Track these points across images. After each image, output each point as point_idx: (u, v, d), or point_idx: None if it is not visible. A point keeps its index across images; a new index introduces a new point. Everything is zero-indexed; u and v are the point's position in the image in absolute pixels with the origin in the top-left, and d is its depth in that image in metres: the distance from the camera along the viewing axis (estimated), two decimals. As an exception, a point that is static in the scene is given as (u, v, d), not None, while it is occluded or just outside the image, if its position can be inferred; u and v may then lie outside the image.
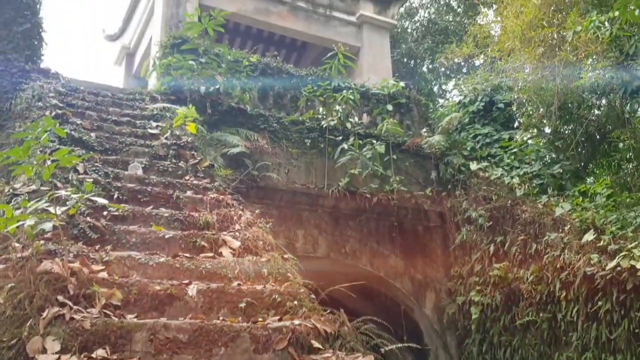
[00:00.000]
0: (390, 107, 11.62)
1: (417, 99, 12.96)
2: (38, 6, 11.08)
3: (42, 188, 5.33)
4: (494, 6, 15.74)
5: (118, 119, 8.11)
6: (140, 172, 6.48)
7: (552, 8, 11.48)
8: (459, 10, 21.90)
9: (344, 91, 11.21)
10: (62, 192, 4.52)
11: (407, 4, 20.19)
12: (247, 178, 9.31)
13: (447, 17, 21.47)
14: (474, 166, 10.72)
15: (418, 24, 21.54)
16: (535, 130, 12.96)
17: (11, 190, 5.46)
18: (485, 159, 11.13)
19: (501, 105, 12.27)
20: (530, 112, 12.74)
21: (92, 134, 7.25)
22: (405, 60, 20.00)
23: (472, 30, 13.85)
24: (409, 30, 21.20)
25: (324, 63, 12.15)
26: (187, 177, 6.76)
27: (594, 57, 10.73)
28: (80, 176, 5.87)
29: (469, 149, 11.54)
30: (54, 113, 7.48)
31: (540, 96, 11.54)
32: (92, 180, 5.72)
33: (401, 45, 19.74)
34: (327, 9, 15.27)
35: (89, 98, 8.71)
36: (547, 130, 12.97)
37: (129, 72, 16.19)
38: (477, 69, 16.08)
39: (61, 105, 7.86)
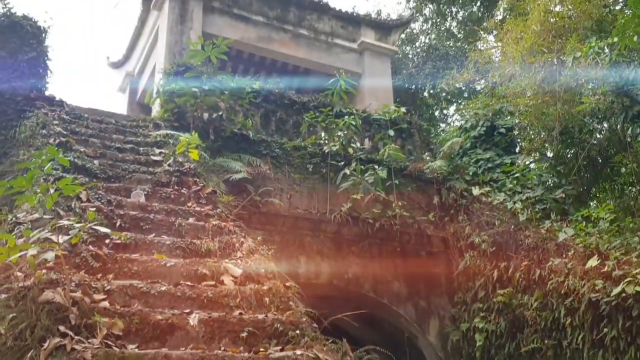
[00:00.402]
0: (392, 133, 11.68)
1: (418, 124, 13.02)
2: (44, 35, 11.22)
3: (45, 216, 5.35)
4: (494, 32, 15.90)
5: (121, 146, 8.16)
6: (142, 199, 6.50)
7: (552, 34, 11.60)
8: (459, 36, 22.11)
9: (346, 117, 11.28)
10: (65, 222, 4.54)
11: (408, 30, 20.39)
12: (249, 204, 9.31)
13: (448, 42, 21.67)
14: (476, 191, 10.72)
15: (419, 49, 21.73)
16: (537, 154, 12.99)
17: (14, 219, 5.48)
18: (487, 183, 11.13)
19: (503, 130, 12.31)
20: (532, 137, 12.79)
21: (96, 162, 7.30)
22: (406, 85, 20.12)
23: (473, 56, 13.97)
24: (410, 56, 21.37)
25: (326, 89, 12.25)
26: (189, 204, 6.77)
27: (594, 82, 10.80)
28: (83, 204, 5.90)
29: (471, 173, 11.55)
30: (57, 141, 7.55)
31: (542, 121, 11.59)
32: (94, 208, 5.75)
33: (402, 71, 19.89)
34: (329, 36, 15.45)
35: (93, 125, 8.77)
36: (549, 154, 13.00)
37: (133, 99, 16.31)
38: (478, 94, 16.19)
39: (65, 132, 7.92)
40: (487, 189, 10.84)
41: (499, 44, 13.91)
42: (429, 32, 22.46)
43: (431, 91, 21.01)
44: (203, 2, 14.00)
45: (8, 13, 11.19)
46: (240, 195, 9.10)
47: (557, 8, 12.29)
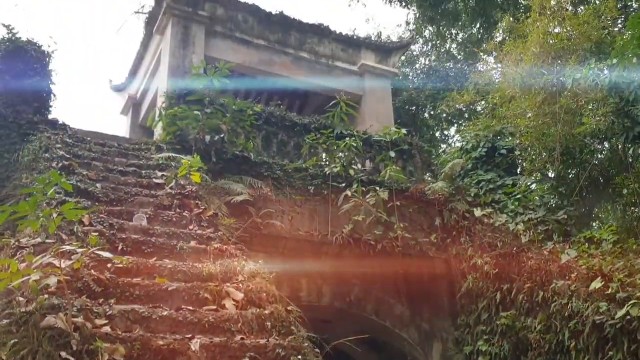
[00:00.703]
0: (392, 154, 11.73)
1: (419, 145, 13.08)
2: (48, 59, 11.34)
3: (47, 240, 5.36)
4: (494, 53, 16.03)
5: (124, 169, 8.20)
6: (144, 222, 6.51)
7: (551, 56, 11.70)
8: (459, 57, 22.28)
9: (347, 138, 11.34)
10: (68, 247, 4.56)
11: (408, 51, 20.57)
12: (250, 226, 9.32)
13: (448, 64, 21.84)
14: (478, 212, 10.73)
15: (419, 71, 21.91)
16: (538, 175, 13.01)
17: (16, 243, 5.48)
18: (489, 205, 11.14)
19: (504, 151, 12.35)
20: (533, 157, 12.82)
21: (98, 185, 7.32)
22: (406, 106, 20.26)
23: (473, 78, 14.07)
24: (410, 77, 21.54)
25: (327, 111, 12.33)
26: (190, 227, 6.78)
27: (594, 103, 10.86)
28: (86, 228, 5.91)
29: (472, 195, 11.56)
30: (60, 164, 7.58)
31: (542, 142, 11.62)
32: (97, 232, 5.76)
33: (402, 92, 20.03)
34: (330, 59, 15.59)
35: (96, 149, 8.82)
36: (551, 174, 13.01)
37: (135, 122, 16.41)
38: (479, 115, 16.27)
39: (68, 156, 7.96)
40: (489, 210, 10.84)
41: (499, 65, 14.01)
42: (429, 53, 22.67)
43: (432, 112, 21.13)
44: (205, 27, 14.16)
45: (13, 38, 11.33)
46: (241, 217, 9.11)
47: (556, 30, 12.41)
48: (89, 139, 9.34)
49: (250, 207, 9.59)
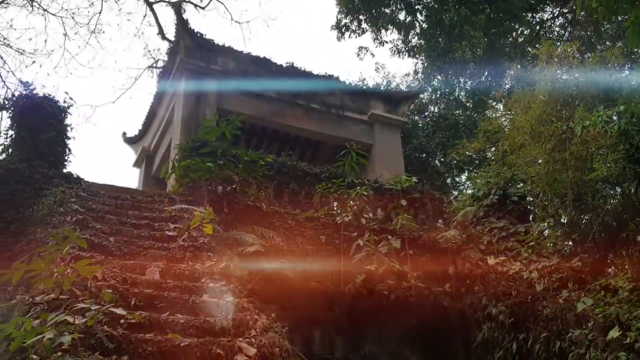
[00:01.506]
0: (404, 202, 11.75)
1: (430, 193, 13.11)
2: (63, 114, 11.63)
3: (61, 296, 5.40)
4: (502, 101, 16.22)
5: (137, 221, 8.29)
6: (157, 276, 6.55)
7: (560, 103, 11.82)
8: (468, 105, 22.53)
9: (358, 187, 11.41)
10: (82, 305, 4.60)
11: (417, 100, 20.86)
12: (262, 278, 9.30)
13: (457, 111, 22.08)
14: (491, 261, 10.64)
15: (428, 119, 22.14)
16: (551, 221, 12.94)
17: (30, 300, 5.53)
18: (502, 252, 11.05)
19: (515, 198, 12.33)
20: (545, 204, 12.79)
21: (111, 238, 7.41)
22: (417, 154, 20.41)
23: (483, 125, 14.20)
24: (420, 125, 21.76)
25: (337, 160, 12.45)
26: (203, 280, 6.80)
27: (605, 149, 10.89)
28: (99, 283, 5.94)
29: (485, 242, 11.49)
30: (74, 218, 7.70)
31: (554, 188, 11.62)
32: (110, 287, 5.80)
33: (412, 140, 20.22)
34: (340, 109, 15.84)
35: (109, 202, 8.95)
36: (563, 220, 12.94)
37: (149, 174, 16.64)
38: (489, 162, 16.33)
39: (82, 210, 8.09)
40: (503, 258, 10.76)
41: (508, 113, 14.15)
42: (438, 101, 22.95)
43: (442, 159, 21.24)
44: (218, 80, 14.50)
45: (30, 94, 11.66)
46: (254, 269, 9.11)
47: (564, 77, 12.57)
48: (102, 192, 9.49)
49: (262, 258, 9.59)
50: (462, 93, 23.04)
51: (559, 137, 11.33)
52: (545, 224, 12.84)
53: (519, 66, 19.45)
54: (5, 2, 11.96)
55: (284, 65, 15.69)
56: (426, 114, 22.42)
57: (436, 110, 22.47)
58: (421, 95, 21.53)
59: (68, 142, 11.58)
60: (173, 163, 11.56)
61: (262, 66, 15.25)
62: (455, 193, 20.81)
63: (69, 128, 11.67)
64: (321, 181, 11.85)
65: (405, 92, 17.93)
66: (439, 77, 22.56)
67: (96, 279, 6.03)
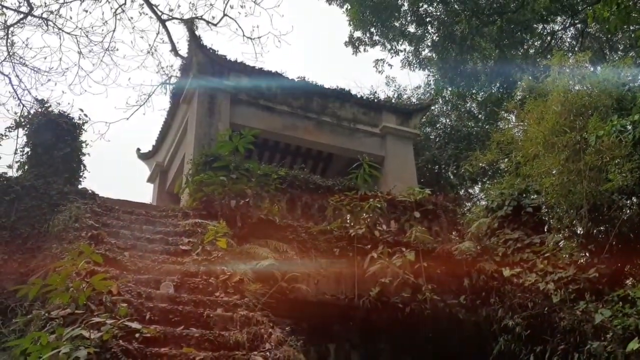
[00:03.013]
0: (417, 214, 11.70)
1: (444, 205, 13.03)
2: (78, 131, 11.75)
3: (77, 311, 5.41)
4: (515, 112, 16.13)
5: (151, 236, 8.33)
6: (171, 290, 6.56)
7: (573, 113, 11.72)
8: (480, 116, 22.47)
9: (371, 200, 11.37)
10: (97, 319, 4.61)
11: (429, 112, 20.85)
12: (276, 291, 9.26)
13: (469, 123, 22.02)
14: (507, 272, 10.53)
15: (440, 130, 22.10)
16: (566, 232, 12.79)
17: (46, 315, 5.55)
18: (517, 264, 10.94)
19: (530, 209, 12.20)
20: (560, 215, 12.66)
21: (126, 253, 7.44)
22: (429, 166, 20.35)
23: (495, 137, 14.12)
24: (432, 137, 21.72)
25: (350, 172, 12.46)
26: (217, 294, 6.81)
27: (620, 159, 10.78)
28: (114, 297, 5.96)
29: (500, 254, 11.38)
30: (89, 234, 7.74)
31: (569, 199, 11.49)
32: (125, 301, 5.82)
33: (425, 153, 20.17)
34: (352, 122, 15.87)
35: (124, 217, 9.01)
36: (579, 231, 12.79)
37: (162, 189, 16.73)
38: (503, 173, 16.24)
39: (97, 225, 8.14)
40: (518, 269, 10.64)
41: (521, 124, 14.06)
42: (450, 113, 22.91)
43: (455, 171, 21.16)
44: (230, 95, 14.60)
45: (45, 112, 11.80)
46: (267, 282, 9.06)
47: (577, 87, 12.48)
48: (117, 207, 9.54)
49: (276, 271, 9.56)
50: (474, 105, 23.00)
51: (573, 147, 11.22)
52: (561, 235, 12.69)
53: (530, 77, 19.37)
54: (21, 22, 12.15)
55: (296, 79, 15.79)
56: (438, 125, 22.39)
57: (448, 122, 22.42)
58: (433, 107, 21.51)
59: (83, 158, 11.70)
60: (187, 178, 11.62)
61: (274, 81, 15.34)
62: (469, 205, 20.67)
63: (83, 145, 11.79)
64: (334, 193, 11.84)
65: (417, 105, 17.93)
66: (450, 88, 22.55)
67: (111, 294, 6.05)
